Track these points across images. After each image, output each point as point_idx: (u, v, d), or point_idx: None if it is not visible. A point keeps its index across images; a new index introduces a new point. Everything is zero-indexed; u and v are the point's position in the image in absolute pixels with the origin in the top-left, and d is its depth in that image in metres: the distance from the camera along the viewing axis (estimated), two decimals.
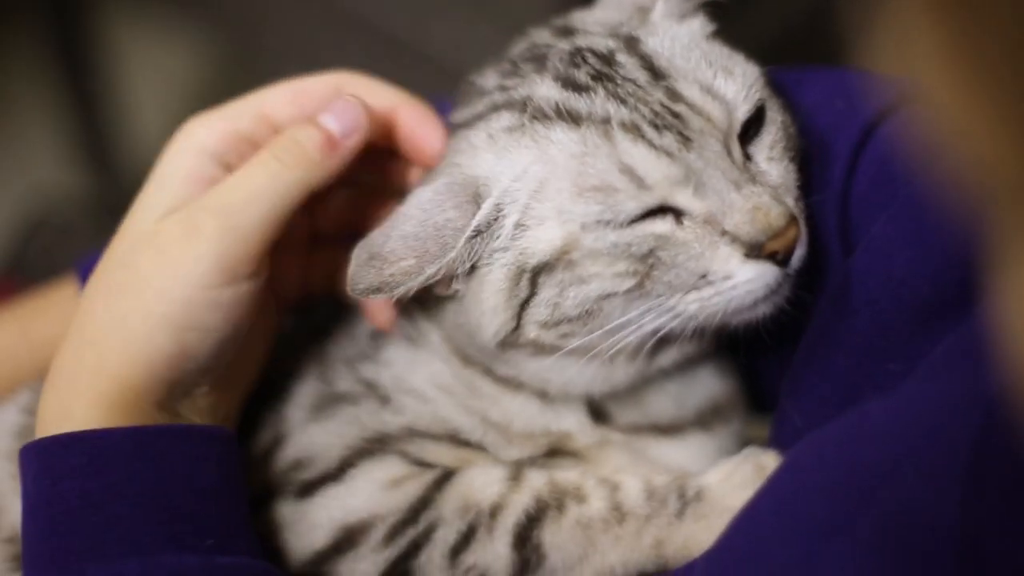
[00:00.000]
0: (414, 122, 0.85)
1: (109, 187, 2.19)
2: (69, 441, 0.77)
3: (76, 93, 2.17)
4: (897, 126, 0.81)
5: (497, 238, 0.79)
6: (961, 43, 0.45)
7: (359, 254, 0.79)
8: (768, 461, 0.82)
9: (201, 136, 0.82)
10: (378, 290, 0.78)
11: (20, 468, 0.80)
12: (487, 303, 0.80)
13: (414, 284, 0.78)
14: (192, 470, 0.78)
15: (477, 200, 0.79)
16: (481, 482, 0.82)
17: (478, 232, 0.79)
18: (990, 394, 0.61)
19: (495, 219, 0.79)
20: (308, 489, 0.83)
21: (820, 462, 0.68)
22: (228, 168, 0.82)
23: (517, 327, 0.80)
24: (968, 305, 0.71)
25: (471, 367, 0.86)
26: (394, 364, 0.87)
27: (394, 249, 0.78)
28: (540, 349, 0.82)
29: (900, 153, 0.80)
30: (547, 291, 0.79)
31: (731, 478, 0.82)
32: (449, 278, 0.80)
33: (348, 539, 0.81)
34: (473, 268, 0.80)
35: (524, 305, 0.79)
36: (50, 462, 0.77)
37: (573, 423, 0.87)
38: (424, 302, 0.86)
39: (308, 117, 0.83)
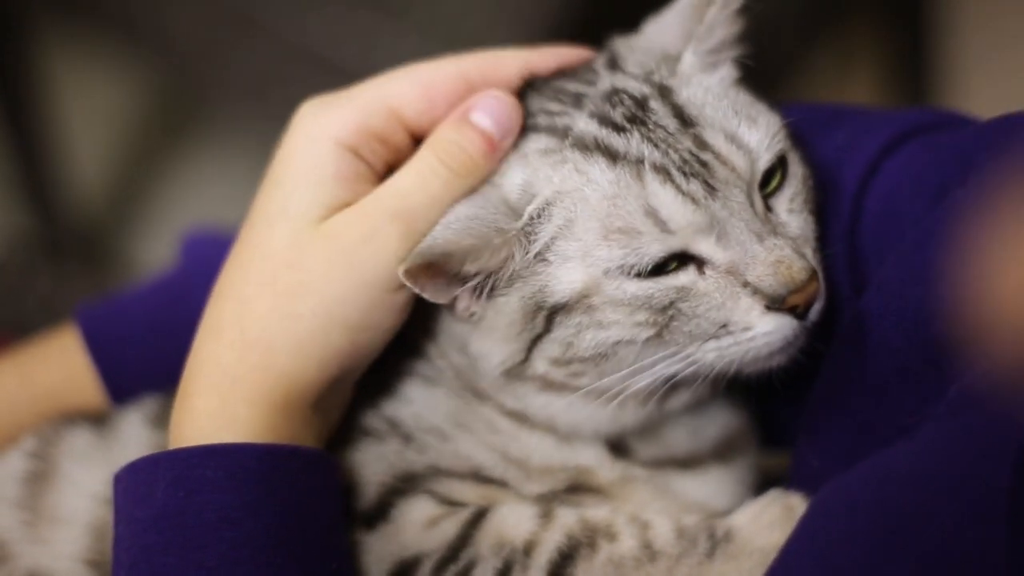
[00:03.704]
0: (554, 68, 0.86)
1: (51, 225, 2.17)
2: (205, 453, 0.77)
3: (13, 130, 2.14)
4: (904, 160, 0.83)
5: (526, 254, 0.80)
6: None
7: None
8: (796, 502, 0.83)
9: (332, 127, 0.82)
10: (432, 266, 0.78)
11: (127, 481, 0.79)
12: (499, 332, 0.81)
13: (477, 263, 0.78)
14: (318, 495, 0.79)
15: (517, 211, 0.80)
16: (514, 520, 0.83)
17: (530, 224, 0.79)
18: (1022, 426, 0.62)
19: (533, 228, 0.79)
20: (370, 523, 0.84)
21: (851, 507, 0.69)
22: (363, 161, 0.82)
23: (526, 360, 0.82)
24: (983, 341, 0.72)
25: (486, 403, 0.87)
26: (414, 402, 0.88)
27: (451, 234, 0.78)
28: (548, 385, 0.84)
29: (907, 187, 0.82)
30: (562, 331, 0.80)
31: (760, 519, 0.82)
32: (481, 288, 0.80)
33: (402, 574, 0.82)
34: (492, 293, 0.81)
35: (536, 340, 0.81)
36: (186, 473, 0.77)
37: (592, 458, 0.87)
38: (434, 333, 0.87)
39: (455, 116, 0.82)
